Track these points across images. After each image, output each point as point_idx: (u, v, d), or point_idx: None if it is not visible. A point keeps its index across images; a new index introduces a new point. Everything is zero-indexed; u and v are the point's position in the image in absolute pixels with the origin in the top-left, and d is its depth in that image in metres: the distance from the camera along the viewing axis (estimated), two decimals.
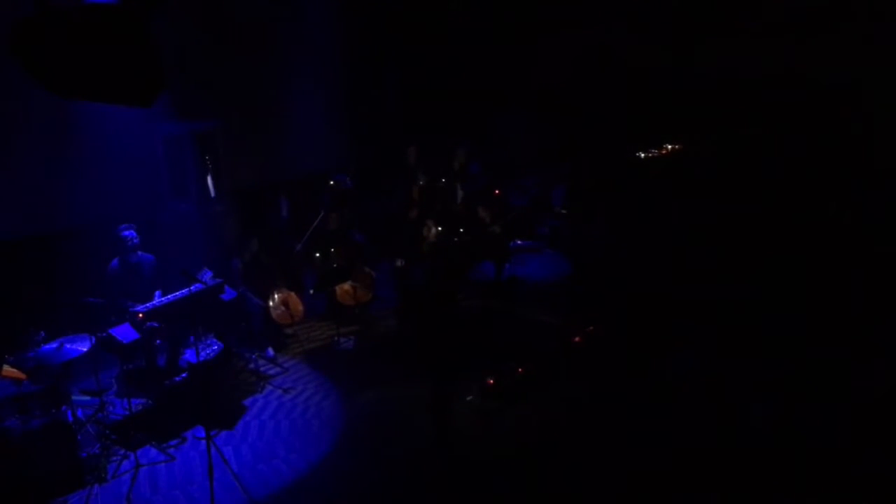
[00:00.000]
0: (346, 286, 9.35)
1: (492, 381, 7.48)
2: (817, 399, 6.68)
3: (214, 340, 7.57)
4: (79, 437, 6.38)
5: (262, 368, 8.38)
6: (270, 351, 8.71)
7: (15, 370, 6.38)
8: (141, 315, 6.69)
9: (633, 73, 10.81)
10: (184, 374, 7.24)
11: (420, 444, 6.82)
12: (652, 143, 12.24)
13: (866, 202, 9.00)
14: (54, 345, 6.32)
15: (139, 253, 7.35)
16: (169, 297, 6.97)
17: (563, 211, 11.08)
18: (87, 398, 7.16)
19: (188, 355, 7.28)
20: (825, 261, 8.68)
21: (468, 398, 7.32)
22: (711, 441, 6.48)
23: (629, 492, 6.01)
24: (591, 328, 8.99)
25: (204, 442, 5.71)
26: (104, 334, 6.66)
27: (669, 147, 12.21)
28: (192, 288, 6.70)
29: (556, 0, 11.18)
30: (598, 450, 6.60)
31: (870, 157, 9.05)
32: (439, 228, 10.60)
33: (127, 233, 7.23)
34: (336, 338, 9.16)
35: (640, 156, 12.22)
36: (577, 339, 8.72)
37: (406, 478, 6.34)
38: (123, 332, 6.72)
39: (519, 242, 11.03)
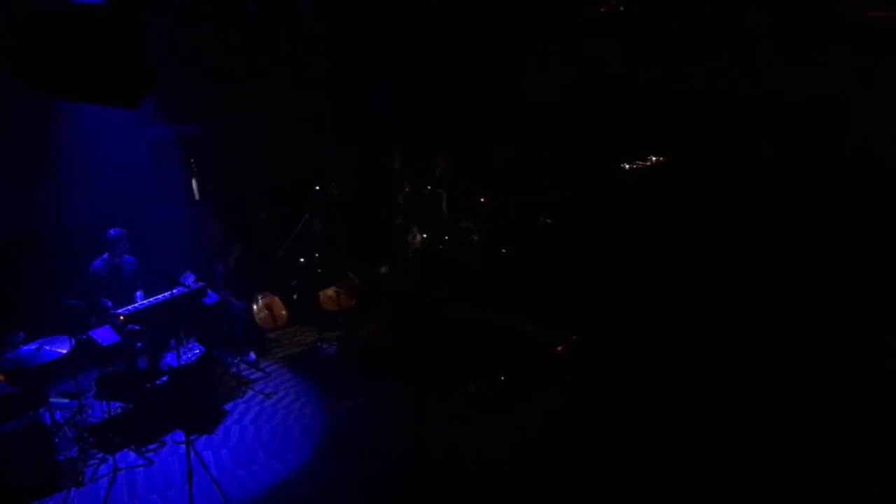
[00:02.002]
0: (330, 292, 9.35)
1: (474, 390, 7.50)
2: (809, 407, 6.68)
3: (196, 344, 7.54)
4: (56, 440, 6.33)
5: (243, 373, 8.34)
6: (252, 355, 8.69)
7: None
8: (122, 317, 6.66)
9: (621, 86, 10.88)
10: (164, 378, 7.21)
11: (400, 452, 6.82)
12: (637, 155, 12.33)
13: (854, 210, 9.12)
14: (33, 346, 6.28)
15: (124, 255, 7.33)
16: (151, 299, 6.95)
17: (548, 221, 11.12)
18: (65, 401, 7.10)
19: (169, 359, 7.24)
20: (812, 265, 8.72)
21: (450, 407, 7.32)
22: (699, 448, 6.51)
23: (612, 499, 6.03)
24: (574, 338, 9.03)
25: (183, 446, 5.69)
26: (84, 336, 6.62)
27: (654, 159, 12.29)
28: (174, 291, 6.69)
29: (549, 12, 11.23)
30: (578, 459, 6.62)
31: (856, 169, 9.15)
32: (424, 235, 10.62)
33: (120, 238, 7.25)
34: (318, 343, 9.15)
35: (624, 167, 12.29)
36: (559, 348, 8.75)
37: (386, 485, 6.33)
38: (104, 335, 6.69)
39: (504, 251, 11.06)
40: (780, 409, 6.71)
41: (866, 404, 6.48)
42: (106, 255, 7.28)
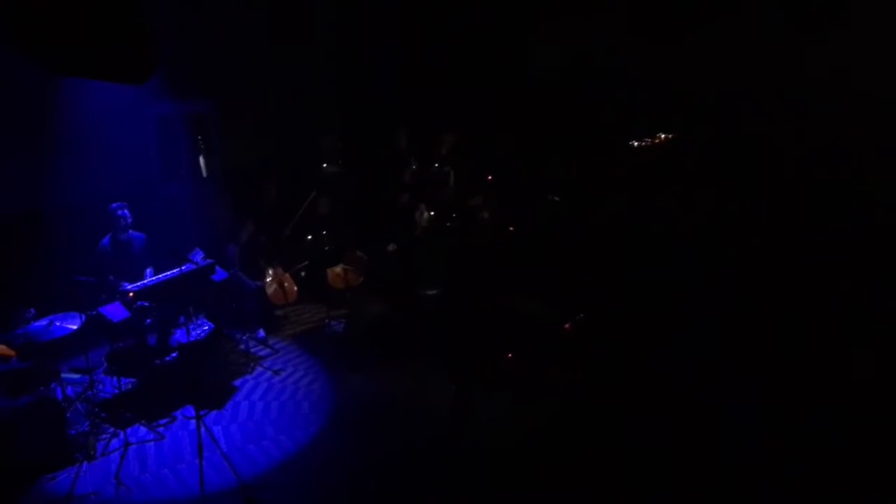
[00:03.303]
0: (338, 270, 9.37)
1: (482, 368, 7.50)
2: (806, 395, 6.70)
3: (205, 321, 7.58)
4: (68, 415, 6.39)
5: (252, 349, 8.40)
6: (261, 332, 8.73)
7: (4, 347, 6.39)
8: (132, 294, 6.68)
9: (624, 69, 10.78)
10: (174, 354, 7.26)
11: (408, 428, 6.87)
12: (645, 133, 12.25)
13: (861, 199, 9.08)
14: (44, 322, 6.32)
15: (130, 231, 7.33)
16: (160, 276, 6.96)
17: (556, 199, 11.09)
18: (76, 376, 7.16)
19: (178, 335, 7.29)
20: (817, 254, 8.70)
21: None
22: (699, 434, 6.53)
23: (614, 480, 6.06)
24: (581, 316, 9.04)
25: (193, 421, 5.74)
26: (94, 312, 6.66)
27: (663, 136, 12.22)
28: (183, 268, 6.71)
29: None
30: (584, 438, 6.66)
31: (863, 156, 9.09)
32: (431, 213, 10.61)
33: (121, 212, 7.21)
34: (326, 321, 9.19)
35: (633, 145, 12.22)
36: (567, 326, 8.76)
37: (393, 460, 6.38)
38: (113, 311, 6.73)
39: (511, 229, 11.04)
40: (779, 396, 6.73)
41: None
42: (112, 232, 7.29)
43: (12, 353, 6.40)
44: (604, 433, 6.69)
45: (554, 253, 10.41)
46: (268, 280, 8.83)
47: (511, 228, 11.03)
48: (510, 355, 7.91)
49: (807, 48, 9.24)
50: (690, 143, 11.33)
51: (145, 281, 7.00)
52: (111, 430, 6.68)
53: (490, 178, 11.42)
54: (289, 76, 10.51)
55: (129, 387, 7.18)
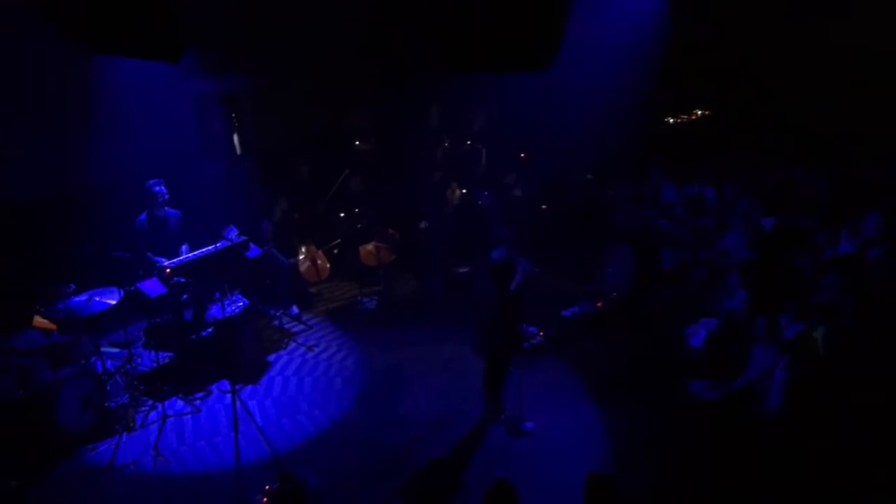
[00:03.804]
0: (370, 247, 9.40)
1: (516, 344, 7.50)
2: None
3: (240, 297, 7.67)
4: (108, 388, 6.55)
5: (286, 326, 8.49)
6: (295, 309, 8.82)
7: (46, 321, 6.55)
8: (168, 270, 6.78)
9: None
10: (209, 330, 7.35)
11: (440, 403, 6.92)
12: (681, 110, 12.06)
13: None
14: (84, 297, 6.45)
15: (166, 208, 7.41)
16: (196, 253, 7.05)
17: (589, 176, 10.98)
18: (115, 350, 7.31)
19: (214, 311, 7.39)
20: None
21: None
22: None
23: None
24: (614, 294, 9.00)
25: (229, 395, 5.83)
26: (132, 288, 6.77)
27: (699, 113, 12.02)
28: (218, 245, 6.79)
29: None
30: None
31: None
32: (463, 191, 10.58)
33: (158, 188, 7.28)
34: (359, 298, 9.25)
35: (668, 121, 12.05)
36: (599, 304, 8.74)
37: (427, 436, 6.44)
38: (151, 287, 6.83)
39: (544, 207, 10.98)
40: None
41: None
42: (149, 209, 7.38)
43: (53, 326, 6.56)
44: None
45: (586, 230, 10.35)
46: (301, 257, 8.90)
47: (543, 206, 10.97)
48: (542, 332, 7.92)
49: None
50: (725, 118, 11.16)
51: (181, 257, 7.09)
52: (149, 402, 6.83)
53: (523, 155, 11.34)
54: (321, 53, 10.48)
55: (167, 361, 7.31)
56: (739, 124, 11.08)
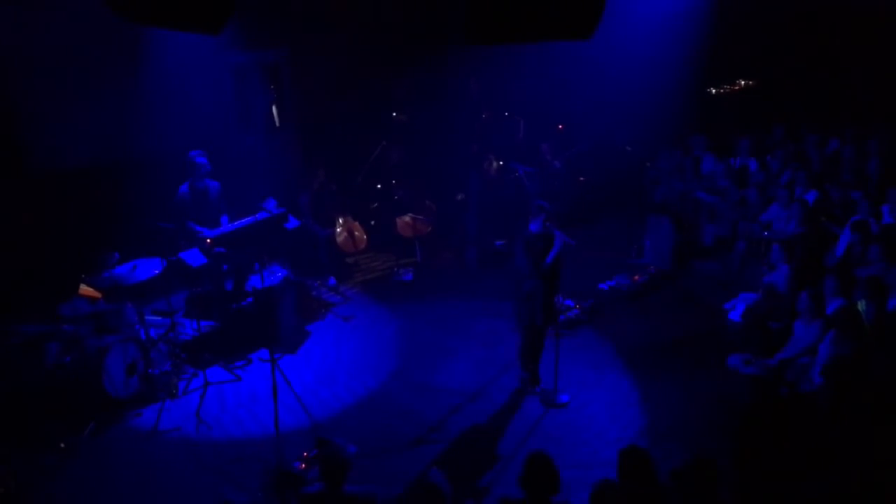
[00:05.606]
0: (407, 218, 9.42)
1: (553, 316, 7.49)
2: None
3: (278, 268, 7.76)
4: (151, 355, 6.70)
5: (324, 296, 8.58)
6: (332, 280, 8.91)
7: (91, 289, 6.70)
8: (209, 240, 6.88)
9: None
10: (249, 299, 7.47)
11: (476, 374, 6.96)
12: (725, 79, 11.81)
13: None
14: (128, 266, 6.56)
15: (207, 179, 7.49)
16: (235, 223, 7.13)
17: (629, 148, 10.83)
18: (158, 318, 7.45)
19: (253, 281, 7.49)
20: None
21: None
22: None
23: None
24: (651, 267, 8.92)
25: (268, 364, 5.91)
26: (174, 258, 6.87)
27: (742, 83, 11.77)
28: (257, 216, 6.86)
29: None
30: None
31: None
32: (500, 163, 10.53)
33: (199, 159, 7.36)
34: (395, 269, 9.29)
35: (711, 91, 11.82)
36: (635, 277, 8.67)
37: (462, 407, 6.49)
38: (192, 257, 6.95)
39: (582, 179, 10.88)
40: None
41: None
42: (190, 180, 7.47)
43: (98, 295, 6.72)
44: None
45: (625, 202, 10.25)
46: (338, 229, 8.96)
47: (582, 178, 10.87)
48: (578, 305, 7.89)
49: None
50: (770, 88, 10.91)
51: (222, 228, 7.19)
52: (191, 370, 6.97)
53: (561, 126, 11.23)
54: (360, 24, 10.45)
55: (208, 330, 7.44)
56: (785, 94, 10.84)
